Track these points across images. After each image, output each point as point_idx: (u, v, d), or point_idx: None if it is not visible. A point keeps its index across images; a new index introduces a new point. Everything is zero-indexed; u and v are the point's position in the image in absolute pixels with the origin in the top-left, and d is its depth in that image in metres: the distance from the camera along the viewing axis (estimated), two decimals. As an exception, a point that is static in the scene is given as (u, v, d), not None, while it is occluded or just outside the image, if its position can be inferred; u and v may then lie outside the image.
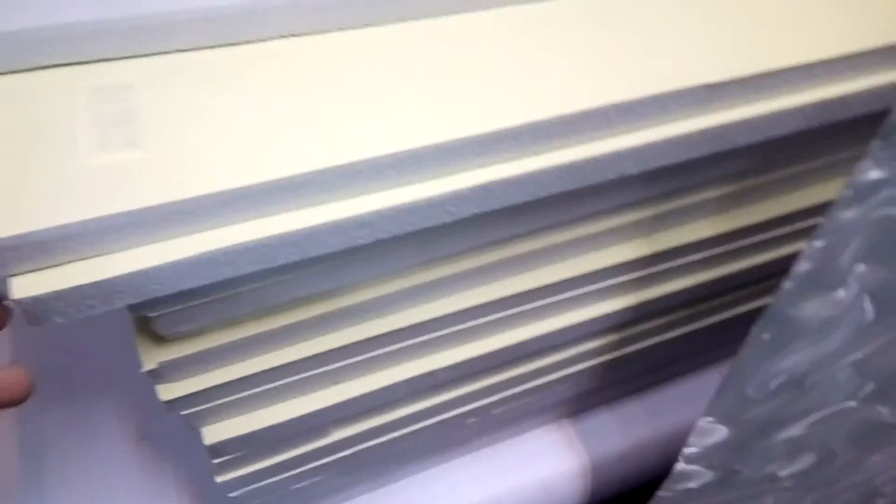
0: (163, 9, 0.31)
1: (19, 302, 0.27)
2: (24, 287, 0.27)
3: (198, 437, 0.38)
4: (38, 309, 0.27)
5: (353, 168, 0.30)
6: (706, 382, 0.61)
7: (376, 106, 0.32)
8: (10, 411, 0.54)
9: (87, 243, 0.27)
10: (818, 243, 0.29)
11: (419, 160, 0.31)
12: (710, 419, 0.35)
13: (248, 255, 0.30)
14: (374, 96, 0.32)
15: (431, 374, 0.42)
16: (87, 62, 0.31)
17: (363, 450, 0.45)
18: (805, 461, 0.38)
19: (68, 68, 0.31)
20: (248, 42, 0.33)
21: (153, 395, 0.54)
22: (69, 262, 0.28)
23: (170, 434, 0.54)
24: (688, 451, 0.36)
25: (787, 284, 0.30)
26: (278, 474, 0.43)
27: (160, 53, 0.32)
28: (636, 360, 0.52)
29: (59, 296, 0.27)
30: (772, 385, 0.33)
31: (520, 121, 0.31)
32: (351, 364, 0.40)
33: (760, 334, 0.31)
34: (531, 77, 0.33)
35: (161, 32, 0.31)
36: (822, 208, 0.43)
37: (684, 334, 0.52)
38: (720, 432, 0.36)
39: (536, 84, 0.33)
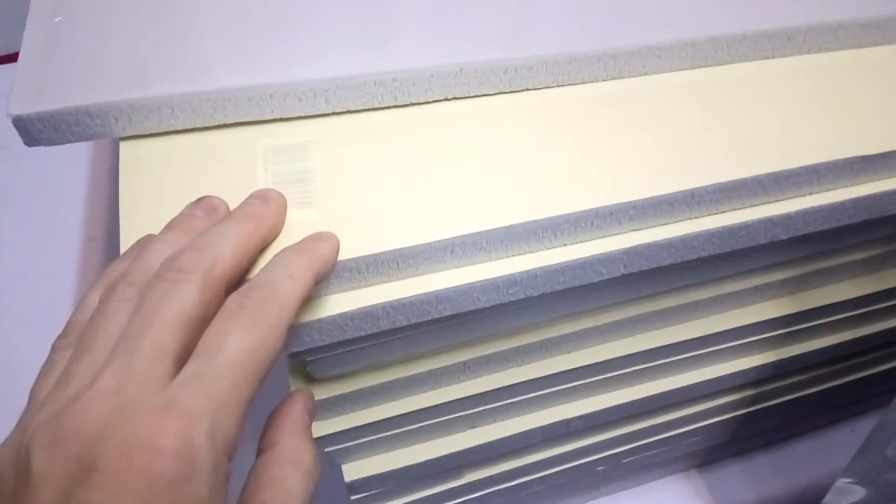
0: (336, 74, 0.33)
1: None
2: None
3: (331, 471, 0.40)
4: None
5: (510, 231, 0.31)
6: (837, 438, 0.59)
7: (532, 171, 0.33)
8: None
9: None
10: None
11: (574, 225, 0.31)
12: (849, 480, 0.35)
13: (405, 311, 0.31)
14: (529, 161, 0.33)
15: (566, 422, 0.43)
16: (266, 122, 0.34)
17: (494, 492, 0.46)
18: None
19: (250, 127, 0.33)
20: (413, 104, 0.35)
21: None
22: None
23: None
24: (824, 510, 0.36)
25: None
26: (411, 512, 0.44)
27: (333, 114, 0.34)
28: (770, 415, 0.51)
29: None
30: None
31: (673, 188, 0.32)
32: (488, 409, 0.41)
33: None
34: (685, 145, 0.34)
35: (333, 96, 0.33)
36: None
37: (820, 391, 0.51)
38: (858, 493, 0.35)
39: (690, 152, 0.33)
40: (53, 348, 0.26)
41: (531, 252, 0.32)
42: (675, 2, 0.37)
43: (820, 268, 0.42)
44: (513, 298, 0.32)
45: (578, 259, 0.32)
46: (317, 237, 0.29)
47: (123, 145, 0.33)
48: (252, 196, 0.30)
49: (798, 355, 0.45)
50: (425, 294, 0.31)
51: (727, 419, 0.49)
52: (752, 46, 0.37)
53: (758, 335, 0.43)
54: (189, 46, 0.34)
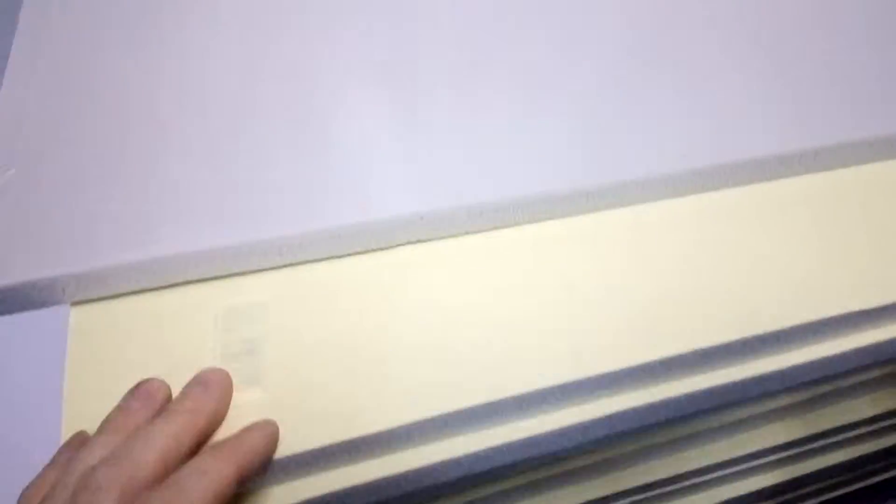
0: (290, 232, 0.31)
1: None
2: None
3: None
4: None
5: (473, 413, 0.29)
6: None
7: (494, 333, 0.31)
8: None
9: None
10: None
11: (541, 399, 0.29)
12: None
13: (364, 494, 0.29)
14: (493, 320, 0.31)
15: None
16: (223, 277, 0.32)
17: None
18: None
19: (206, 284, 0.32)
20: (377, 250, 0.33)
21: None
22: None
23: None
24: None
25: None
26: None
27: (290, 266, 0.32)
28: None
29: None
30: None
31: (653, 357, 0.29)
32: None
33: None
34: (664, 300, 0.31)
35: (289, 251, 0.32)
36: None
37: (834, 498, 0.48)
38: None
39: (668, 308, 0.31)
40: None
41: (500, 425, 0.30)
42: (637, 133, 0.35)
43: (829, 390, 0.39)
44: (481, 470, 0.30)
45: (547, 431, 0.30)
46: (249, 427, 0.28)
47: (73, 310, 0.32)
48: (193, 381, 0.28)
49: (810, 473, 0.43)
50: (383, 478, 0.29)
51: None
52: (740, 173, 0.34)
53: (764, 458, 0.41)
54: (135, 210, 0.32)
